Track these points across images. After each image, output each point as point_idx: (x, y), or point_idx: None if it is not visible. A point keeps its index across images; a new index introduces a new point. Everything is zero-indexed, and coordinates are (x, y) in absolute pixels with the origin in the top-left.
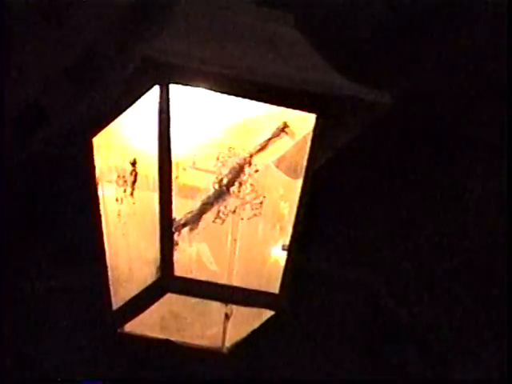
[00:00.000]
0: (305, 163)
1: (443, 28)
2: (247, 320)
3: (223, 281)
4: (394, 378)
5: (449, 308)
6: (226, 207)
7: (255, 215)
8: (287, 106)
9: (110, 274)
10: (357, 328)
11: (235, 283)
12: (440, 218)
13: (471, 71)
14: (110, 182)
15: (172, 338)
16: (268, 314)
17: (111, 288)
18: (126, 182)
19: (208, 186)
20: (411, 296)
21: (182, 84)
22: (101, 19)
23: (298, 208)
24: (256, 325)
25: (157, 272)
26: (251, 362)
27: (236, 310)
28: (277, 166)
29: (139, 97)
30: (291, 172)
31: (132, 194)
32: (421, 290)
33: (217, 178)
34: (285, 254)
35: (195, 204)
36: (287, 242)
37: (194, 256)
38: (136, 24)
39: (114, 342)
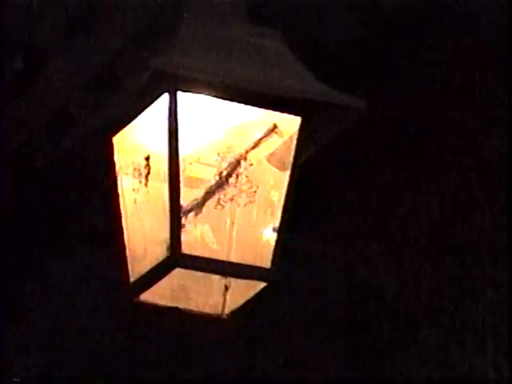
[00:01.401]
0: (291, 158)
1: (415, 38)
2: (243, 291)
3: (223, 257)
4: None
5: (422, 286)
6: (225, 195)
7: (250, 202)
8: (277, 110)
9: (127, 252)
10: (336, 306)
11: (233, 259)
12: (412, 208)
13: (445, 80)
14: (127, 174)
15: (180, 306)
16: (261, 285)
17: (129, 264)
18: (140, 174)
19: (210, 177)
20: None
21: (188, 92)
22: (121, 35)
23: (286, 196)
24: (251, 295)
25: (167, 250)
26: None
27: (234, 282)
28: (268, 161)
29: (151, 102)
30: (280, 166)
31: (146, 184)
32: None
33: (217, 170)
34: (275, 234)
35: (199, 193)
36: (277, 225)
37: (199, 237)
38: (149, 41)
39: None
